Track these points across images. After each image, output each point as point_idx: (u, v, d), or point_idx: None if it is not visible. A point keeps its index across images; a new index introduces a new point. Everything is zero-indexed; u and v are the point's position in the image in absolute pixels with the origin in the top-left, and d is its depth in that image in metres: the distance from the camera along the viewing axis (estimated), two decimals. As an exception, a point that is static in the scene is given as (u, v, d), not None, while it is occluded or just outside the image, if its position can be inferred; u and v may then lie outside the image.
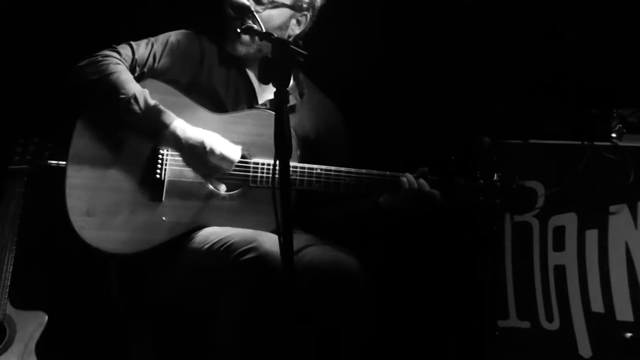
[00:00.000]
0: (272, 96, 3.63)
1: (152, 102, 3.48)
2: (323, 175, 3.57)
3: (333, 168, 3.58)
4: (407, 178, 3.57)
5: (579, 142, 4.21)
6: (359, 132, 4.08)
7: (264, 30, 3.35)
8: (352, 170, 3.59)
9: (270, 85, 3.67)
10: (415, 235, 4.64)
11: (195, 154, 3.48)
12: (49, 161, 4.01)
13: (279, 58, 2.96)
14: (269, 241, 3.27)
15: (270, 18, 3.67)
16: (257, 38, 3.59)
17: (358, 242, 3.76)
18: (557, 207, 4.27)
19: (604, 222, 4.20)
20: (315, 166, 3.58)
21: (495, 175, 3.66)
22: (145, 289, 3.56)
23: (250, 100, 3.76)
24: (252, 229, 3.46)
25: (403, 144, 4.52)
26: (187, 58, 3.70)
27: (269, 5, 3.66)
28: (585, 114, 4.31)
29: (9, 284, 3.93)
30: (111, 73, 3.48)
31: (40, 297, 4.19)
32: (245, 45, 3.70)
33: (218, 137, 3.52)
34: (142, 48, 3.64)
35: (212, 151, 3.47)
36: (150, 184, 3.52)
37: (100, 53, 3.56)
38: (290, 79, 2.93)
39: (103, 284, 3.68)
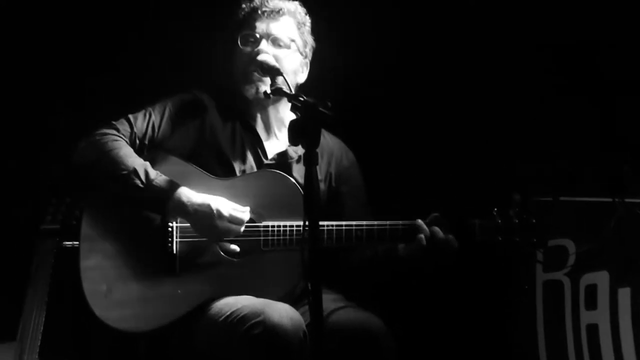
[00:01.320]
0: (280, 149, 3.75)
1: (153, 173, 3.51)
2: (334, 232, 3.55)
3: (344, 223, 3.56)
4: (423, 232, 3.52)
5: (610, 199, 4.18)
6: (378, 178, 4.07)
7: (292, 92, 3.35)
8: (363, 223, 3.57)
9: (277, 138, 3.77)
10: (442, 292, 4.62)
11: (203, 218, 3.49)
12: (63, 243, 4.03)
13: (308, 120, 2.98)
14: (277, 313, 3.27)
15: (289, 61, 3.75)
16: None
17: (381, 298, 3.74)
18: (588, 265, 4.24)
19: (636, 280, 4.14)
20: (324, 223, 3.54)
21: (511, 211, 3.60)
22: (168, 354, 3.58)
23: (258, 156, 3.77)
24: (268, 293, 3.46)
25: (423, 192, 4.51)
26: (187, 122, 3.72)
27: (285, 48, 3.74)
28: (616, 170, 4.29)
29: (39, 343, 3.94)
30: (110, 150, 3.53)
31: (71, 355, 4.20)
32: (256, 84, 3.71)
33: (224, 200, 3.53)
34: (140, 120, 3.66)
35: (219, 214, 3.49)
36: (163, 258, 3.54)
37: (98, 132, 3.60)
38: (319, 140, 2.93)
39: (131, 344, 3.68)
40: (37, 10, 4.53)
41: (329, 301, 3.61)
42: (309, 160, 2.90)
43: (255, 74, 3.68)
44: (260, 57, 3.63)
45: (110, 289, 3.51)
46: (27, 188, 4.43)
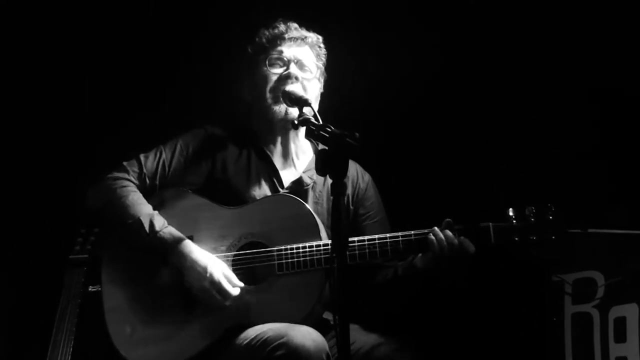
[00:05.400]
0: (297, 176, 3.77)
1: (159, 224, 3.53)
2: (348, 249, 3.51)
3: (356, 239, 3.53)
4: (435, 235, 3.50)
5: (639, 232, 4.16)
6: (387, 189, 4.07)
7: (320, 122, 3.30)
8: (376, 237, 3.54)
9: (295, 166, 3.80)
10: (469, 324, 4.60)
11: (195, 277, 3.49)
12: (89, 287, 4.05)
13: (335, 150, 2.97)
14: (300, 334, 3.25)
15: (312, 86, 3.79)
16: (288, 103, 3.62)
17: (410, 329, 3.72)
18: (617, 298, 4.20)
19: (666, 313, 4.12)
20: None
21: (527, 210, 3.53)
22: None
23: (274, 185, 3.77)
24: (287, 317, 3.44)
25: (433, 201, 4.50)
26: (198, 158, 3.74)
27: (309, 73, 3.79)
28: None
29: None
30: (118, 197, 3.56)
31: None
32: (278, 105, 3.72)
33: (223, 268, 3.52)
34: (151, 160, 3.70)
35: (211, 279, 3.48)
36: (181, 294, 3.54)
37: (109, 176, 3.64)
38: (347, 171, 2.93)
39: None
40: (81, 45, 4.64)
41: (361, 334, 3.60)
42: (337, 190, 2.90)
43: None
44: (288, 88, 3.65)
45: (134, 329, 3.53)
46: (58, 218, 4.47)
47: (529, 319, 4.47)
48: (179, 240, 3.52)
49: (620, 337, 4.18)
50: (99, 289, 3.64)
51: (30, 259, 4.49)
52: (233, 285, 3.50)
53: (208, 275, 3.48)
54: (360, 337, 3.57)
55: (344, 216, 2.90)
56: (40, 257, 4.45)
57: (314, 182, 3.79)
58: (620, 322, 4.18)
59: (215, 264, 3.51)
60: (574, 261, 4.34)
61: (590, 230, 4.17)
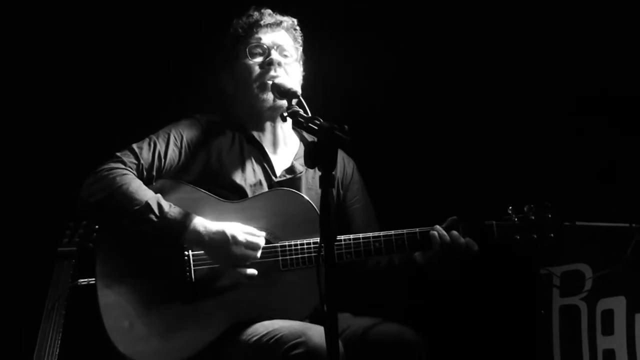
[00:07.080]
0: (286, 163, 3.78)
1: (166, 206, 3.46)
2: (352, 245, 3.54)
3: (361, 235, 3.55)
4: (438, 232, 3.54)
5: (627, 225, 4.16)
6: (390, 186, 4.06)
7: (309, 115, 3.29)
8: (381, 234, 3.56)
9: (285, 153, 3.80)
10: (458, 318, 4.61)
11: (218, 247, 3.46)
12: (79, 280, 4.02)
13: (324, 142, 2.96)
14: (318, 335, 3.21)
15: (294, 70, 3.80)
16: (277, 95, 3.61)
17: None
18: (605, 290, 4.22)
19: (653, 305, 4.13)
20: (342, 237, 3.55)
21: (526, 207, 3.59)
22: None
23: (267, 173, 3.76)
24: (292, 314, 3.45)
25: (436, 199, 4.52)
26: (192, 148, 3.68)
27: (290, 58, 3.79)
28: (633, 196, 4.27)
29: (55, 366, 3.94)
30: (120, 186, 3.45)
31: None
32: (266, 94, 3.72)
33: (239, 225, 3.50)
34: (145, 150, 3.60)
35: (235, 240, 3.45)
36: (183, 288, 3.49)
37: (104, 167, 3.52)
38: (336, 164, 2.93)
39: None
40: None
41: (354, 319, 3.63)
42: (326, 183, 2.88)
43: (270, 82, 3.68)
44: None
45: (133, 324, 3.45)
46: (47, 210, 4.45)
47: (517, 312, 4.49)
48: (190, 218, 3.46)
49: (608, 329, 4.19)
50: (91, 282, 3.57)
51: (18, 252, 4.46)
52: (257, 235, 3.48)
53: (230, 238, 3.45)
54: (354, 322, 3.59)
55: (333, 207, 2.90)
56: (28, 249, 4.43)
57: (306, 169, 3.79)
58: (608, 315, 4.20)
59: (231, 226, 3.48)
60: (562, 254, 4.35)
61: (578, 223, 4.19)
